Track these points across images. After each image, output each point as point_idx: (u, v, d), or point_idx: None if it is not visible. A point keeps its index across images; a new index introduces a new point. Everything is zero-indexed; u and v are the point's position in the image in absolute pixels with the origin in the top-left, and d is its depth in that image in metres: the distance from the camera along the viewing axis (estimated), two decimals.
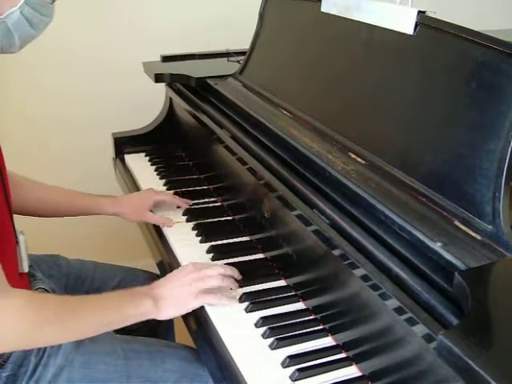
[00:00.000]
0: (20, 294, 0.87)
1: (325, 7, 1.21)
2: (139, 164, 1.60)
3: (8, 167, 1.05)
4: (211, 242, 1.21)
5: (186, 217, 1.31)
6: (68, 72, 1.92)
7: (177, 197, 1.37)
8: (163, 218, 1.30)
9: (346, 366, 0.88)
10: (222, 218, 1.31)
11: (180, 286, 0.99)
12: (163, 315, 0.97)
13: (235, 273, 1.05)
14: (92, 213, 1.30)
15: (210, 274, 1.00)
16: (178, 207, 1.35)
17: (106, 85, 1.97)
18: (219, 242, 1.21)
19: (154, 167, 1.57)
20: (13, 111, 1.88)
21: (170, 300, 0.97)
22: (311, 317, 0.98)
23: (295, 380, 0.85)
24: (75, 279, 1.27)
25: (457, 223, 0.80)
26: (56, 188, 1.28)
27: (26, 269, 1.04)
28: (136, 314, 0.95)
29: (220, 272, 1.02)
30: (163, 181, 1.49)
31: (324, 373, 0.87)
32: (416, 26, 0.97)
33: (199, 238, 1.23)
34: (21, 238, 1.03)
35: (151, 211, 1.31)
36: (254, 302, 1.01)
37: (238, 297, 1.02)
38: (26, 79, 1.89)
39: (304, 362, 0.88)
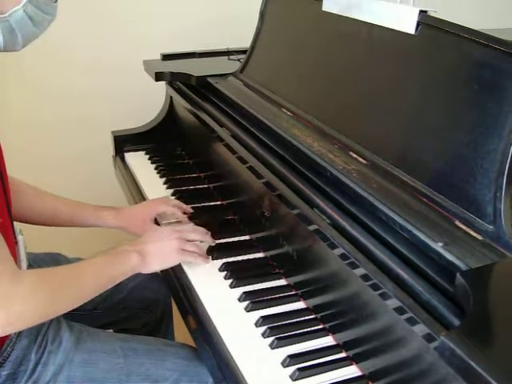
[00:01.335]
0: (29, 274, 0.93)
1: (326, 6, 1.21)
2: (139, 162, 1.60)
3: (8, 166, 1.04)
4: None
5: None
6: (68, 71, 1.91)
7: (177, 206, 1.29)
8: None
9: (346, 366, 0.88)
10: (222, 217, 1.31)
11: (163, 244, 1.09)
12: (148, 269, 1.06)
13: (207, 238, 1.17)
14: (92, 225, 1.25)
15: (191, 238, 1.13)
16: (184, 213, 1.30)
17: (107, 83, 1.96)
18: (219, 241, 1.20)
19: (154, 165, 1.56)
20: (13, 111, 1.88)
21: (155, 255, 1.07)
22: (311, 316, 0.98)
23: (295, 379, 0.85)
24: None
25: (458, 223, 0.80)
26: (54, 196, 1.22)
27: (24, 268, 1.03)
28: (126, 271, 1.03)
29: (197, 238, 1.15)
30: (163, 179, 1.48)
31: (324, 372, 0.87)
32: (418, 25, 0.97)
33: None
34: (20, 238, 1.03)
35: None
36: (254, 301, 1.01)
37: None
38: (26, 79, 1.89)
39: (304, 362, 0.88)
